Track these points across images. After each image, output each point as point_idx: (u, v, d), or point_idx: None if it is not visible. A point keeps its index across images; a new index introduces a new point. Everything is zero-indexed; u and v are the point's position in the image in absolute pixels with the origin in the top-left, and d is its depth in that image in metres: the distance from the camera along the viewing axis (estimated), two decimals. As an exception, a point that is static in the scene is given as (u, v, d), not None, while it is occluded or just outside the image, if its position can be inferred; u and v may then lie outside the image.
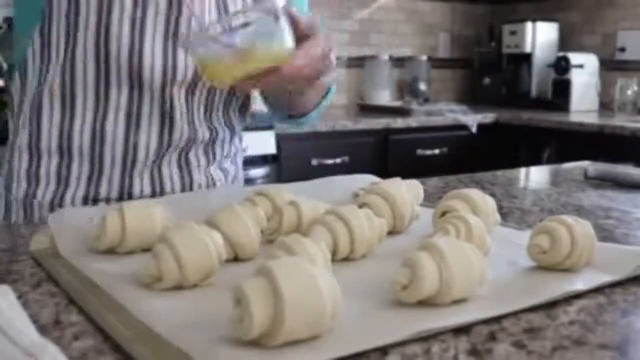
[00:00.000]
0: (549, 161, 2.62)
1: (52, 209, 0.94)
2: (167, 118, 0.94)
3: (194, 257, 0.56)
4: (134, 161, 0.95)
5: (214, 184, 1.04)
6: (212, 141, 1.01)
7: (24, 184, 0.96)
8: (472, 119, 2.79)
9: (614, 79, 3.09)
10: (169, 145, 0.96)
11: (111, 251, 0.66)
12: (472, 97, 3.59)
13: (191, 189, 1.00)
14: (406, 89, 3.42)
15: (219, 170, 1.05)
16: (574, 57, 3.10)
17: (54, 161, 0.95)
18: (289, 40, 0.75)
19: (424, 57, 3.43)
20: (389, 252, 0.68)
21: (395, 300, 0.53)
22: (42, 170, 0.95)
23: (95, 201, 0.95)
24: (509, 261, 0.65)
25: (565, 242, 0.61)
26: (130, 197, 0.95)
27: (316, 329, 0.46)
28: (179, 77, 0.93)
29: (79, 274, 0.61)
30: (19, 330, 0.44)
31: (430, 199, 0.93)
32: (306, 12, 1.04)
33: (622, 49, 3.17)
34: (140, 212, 0.67)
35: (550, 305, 0.55)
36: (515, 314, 0.53)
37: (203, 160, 1.01)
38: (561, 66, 3.11)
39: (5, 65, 2.25)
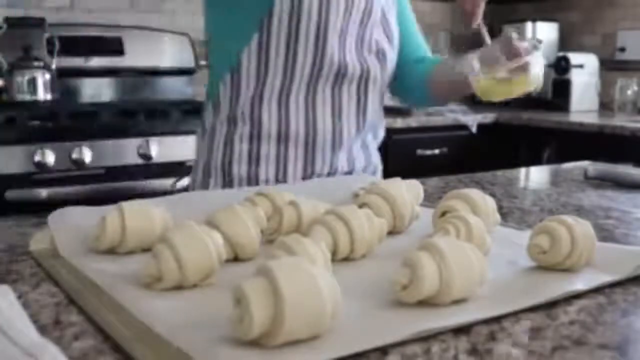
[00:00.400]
0: (549, 161, 2.62)
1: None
2: (361, 106, 1.15)
3: (194, 257, 0.56)
4: (340, 141, 1.13)
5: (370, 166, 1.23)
6: (377, 127, 1.24)
7: (245, 166, 1.11)
8: (472, 119, 2.79)
9: (614, 79, 3.09)
10: (363, 128, 1.17)
11: (111, 251, 0.66)
12: (472, 97, 3.59)
13: (353, 166, 1.19)
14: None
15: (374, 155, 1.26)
16: (574, 57, 3.09)
17: (273, 145, 1.10)
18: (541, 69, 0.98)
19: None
20: (389, 252, 0.68)
21: (395, 300, 0.53)
22: (262, 153, 1.11)
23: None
24: (509, 261, 0.65)
25: (565, 242, 0.61)
26: (335, 172, 1.15)
27: (316, 329, 0.46)
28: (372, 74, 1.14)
29: (79, 274, 0.61)
30: (19, 330, 0.44)
31: (430, 199, 0.93)
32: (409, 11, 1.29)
33: (622, 49, 3.17)
34: (140, 212, 0.67)
35: (550, 305, 0.55)
36: (515, 314, 0.53)
37: (373, 144, 1.25)
38: (561, 66, 3.11)
39: (5, 65, 2.25)
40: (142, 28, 2.66)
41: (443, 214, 0.74)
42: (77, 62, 2.48)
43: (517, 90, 0.98)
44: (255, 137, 1.10)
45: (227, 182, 1.13)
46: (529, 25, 3.26)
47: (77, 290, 0.57)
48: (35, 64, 2.26)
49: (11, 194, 1.89)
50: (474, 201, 0.74)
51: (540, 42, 0.87)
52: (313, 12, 1.03)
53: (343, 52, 1.09)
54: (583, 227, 0.63)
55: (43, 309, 0.54)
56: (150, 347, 0.45)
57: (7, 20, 2.30)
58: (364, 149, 1.21)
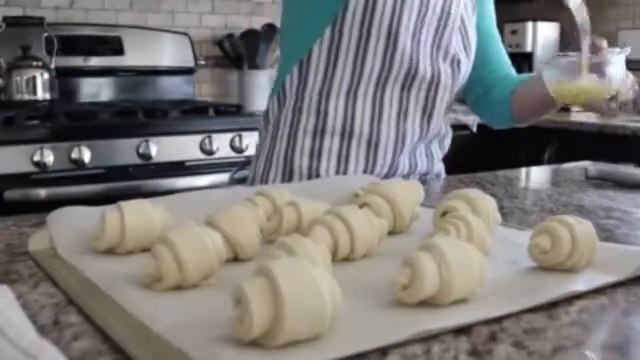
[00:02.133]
0: (550, 161, 2.62)
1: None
2: (427, 112, 1.15)
3: (194, 257, 0.56)
4: (403, 143, 1.13)
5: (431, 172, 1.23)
6: (443, 137, 1.24)
7: (306, 160, 1.12)
8: (473, 119, 2.79)
9: (615, 79, 3.09)
10: (426, 134, 1.17)
11: (111, 251, 0.66)
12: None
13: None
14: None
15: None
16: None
17: (336, 141, 1.11)
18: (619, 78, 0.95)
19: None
20: (389, 252, 0.68)
21: (395, 300, 0.53)
22: (325, 148, 1.12)
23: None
24: (509, 261, 0.65)
25: (566, 242, 0.61)
26: (395, 173, 1.15)
27: (316, 329, 0.45)
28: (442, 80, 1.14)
29: (78, 274, 0.61)
30: (17, 331, 0.44)
31: (430, 199, 0.93)
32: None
33: (623, 49, 3.17)
34: (140, 212, 0.67)
35: (551, 306, 0.55)
36: (515, 314, 0.53)
37: (438, 153, 1.24)
38: (561, 66, 3.11)
39: (4, 65, 2.24)
40: (142, 27, 2.66)
41: (443, 214, 0.74)
42: (76, 61, 2.48)
43: (596, 94, 0.96)
44: (319, 131, 1.11)
45: (288, 174, 1.13)
46: (529, 25, 3.26)
47: (76, 290, 0.57)
48: (34, 63, 2.26)
49: (10, 194, 1.89)
50: (475, 201, 0.74)
51: (624, 49, 0.95)
52: (386, 11, 1.04)
53: (416, 54, 1.10)
54: (584, 227, 0.63)
55: (42, 309, 0.54)
56: (150, 347, 0.45)
57: (6, 19, 2.30)
58: (428, 156, 1.21)
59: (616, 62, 0.95)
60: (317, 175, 1.11)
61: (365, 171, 1.12)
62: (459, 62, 1.16)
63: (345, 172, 1.11)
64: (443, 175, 1.26)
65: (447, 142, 1.25)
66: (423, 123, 1.16)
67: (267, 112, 1.21)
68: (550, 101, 1.07)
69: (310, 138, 1.12)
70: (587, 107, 1.06)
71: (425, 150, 1.20)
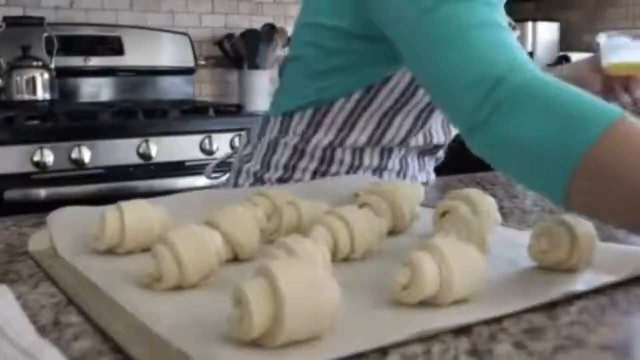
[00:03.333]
0: (549, 161, 2.61)
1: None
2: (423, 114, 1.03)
3: (194, 257, 0.56)
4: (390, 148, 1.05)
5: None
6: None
7: (280, 172, 1.06)
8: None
9: (615, 79, 3.09)
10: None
11: (110, 251, 0.66)
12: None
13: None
14: None
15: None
16: (575, 57, 3.09)
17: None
18: None
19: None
20: (389, 252, 0.68)
21: (395, 300, 0.53)
22: (301, 166, 1.05)
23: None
24: (509, 261, 0.65)
25: (566, 242, 0.61)
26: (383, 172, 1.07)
27: (316, 329, 0.45)
28: None
29: (78, 274, 0.61)
30: (18, 331, 0.44)
31: (430, 199, 0.92)
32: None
33: (623, 49, 3.17)
34: (140, 212, 0.67)
35: (551, 306, 0.54)
36: (515, 314, 0.53)
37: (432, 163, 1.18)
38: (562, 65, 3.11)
39: (4, 65, 2.24)
40: (142, 27, 2.66)
41: (443, 214, 0.74)
42: (76, 61, 2.48)
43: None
44: (321, 173, 1.05)
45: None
46: (529, 25, 3.26)
47: (76, 290, 0.57)
48: (34, 63, 2.26)
49: (10, 194, 1.89)
50: (474, 201, 0.74)
51: None
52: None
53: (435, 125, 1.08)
54: (584, 227, 0.63)
55: (42, 309, 0.54)
56: (149, 347, 0.45)
57: (6, 19, 2.30)
58: (420, 165, 1.16)
59: None
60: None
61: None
62: None
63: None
64: (432, 177, 1.22)
65: (442, 153, 1.20)
66: (417, 123, 1.07)
67: (265, 123, 1.11)
68: None
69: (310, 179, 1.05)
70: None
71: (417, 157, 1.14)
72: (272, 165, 1.07)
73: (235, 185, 1.13)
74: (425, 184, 1.14)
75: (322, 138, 1.03)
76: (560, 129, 0.61)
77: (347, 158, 1.04)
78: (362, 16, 0.88)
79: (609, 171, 0.59)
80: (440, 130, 1.10)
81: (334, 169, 1.05)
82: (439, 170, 1.23)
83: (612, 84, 1.08)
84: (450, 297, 0.53)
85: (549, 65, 3.16)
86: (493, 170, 1.19)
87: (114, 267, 0.62)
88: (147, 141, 2.07)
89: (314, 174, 1.05)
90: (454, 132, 1.11)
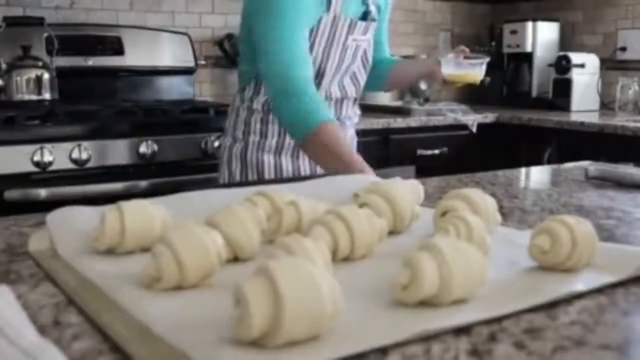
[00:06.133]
0: (550, 161, 2.62)
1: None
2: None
3: (194, 258, 0.56)
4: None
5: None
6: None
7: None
8: (472, 119, 2.79)
9: (615, 79, 3.09)
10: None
11: (110, 251, 0.66)
12: (472, 97, 3.59)
13: None
14: (406, 88, 3.41)
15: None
16: (575, 57, 3.09)
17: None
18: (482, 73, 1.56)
19: (424, 57, 3.42)
20: (389, 252, 0.68)
21: (395, 300, 0.53)
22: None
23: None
24: (509, 261, 0.65)
25: (566, 242, 0.61)
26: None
27: (316, 329, 0.45)
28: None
29: (78, 274, 0.61)
30: (18, 331, 0.44)
31: (430, 199, 0.92)
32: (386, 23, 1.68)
33: (623, 49, 3.16)
34: (140, 212, 0.67)
35: (550, 306, 0.55)
36: (515, 314, 0.53)
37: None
38: (562, 66, 3.10)
39: (4, 65, 2.24)
40: (142, 27, 2.65)
41: (443, 214, 0.74)
42: (76, 61, 2.48)
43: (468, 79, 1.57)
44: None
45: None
46: (529, 24, 3.26)
47: (76, 290, 0.57)
48: (35, 63, 2.26)
49: (10, 194, 1.89)
50: (474, 201, 0.74)
51: (485, 59, 1.57)
52: None
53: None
54: (584, 227, 0.63)
55: (42, 309, 0.54)
56: (149, 347, 0.45)
57: (6, 19, 2.30)
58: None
59: (481, 65, 1.55)
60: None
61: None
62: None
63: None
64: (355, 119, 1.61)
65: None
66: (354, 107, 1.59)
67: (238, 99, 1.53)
68: (416, 78, 1.98)
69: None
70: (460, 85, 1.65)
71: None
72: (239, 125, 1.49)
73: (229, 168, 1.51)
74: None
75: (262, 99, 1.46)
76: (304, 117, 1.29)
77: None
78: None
79: (321, 144, 1.27)
80: (351, 83, 1.52)
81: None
82: (439, 170, 1.23)
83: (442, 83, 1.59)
84: (450, 297, 0.53)
85: (549, 65, 3.16)
86: (493, 170, 1.19)
87: (114, 267, 0.62)
88: (147, 141, 2.07)
89: (262, 122, 1.46)
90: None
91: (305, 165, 1.49)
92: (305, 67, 1.33)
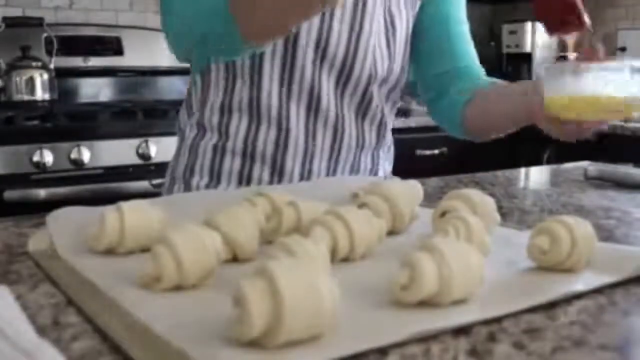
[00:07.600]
0: (549, 161, 2.62)
1: None
2: (339, 126, 1.07)
3: (193, 258, 0.56)
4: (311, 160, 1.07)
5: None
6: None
7: (206, 179, 1.08)
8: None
9: (614, 79, 3.09)
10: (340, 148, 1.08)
11: (110, 251, 0.66)
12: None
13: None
14: (406, 88, 3.40)
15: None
16: (574, 57, 3.09)
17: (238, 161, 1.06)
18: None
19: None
20: (388, 252, 0.68)
21: (395, 300, 0.53)
22: (225, 168, 1.07)
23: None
24: (509, 261, 0.65)
25: (565, 242, 0.61)
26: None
27: (316, 329, 0.45)
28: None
29: (77, 274, 0.61)
30: (17, 331, 0.44)
31: (430, 199, 0.92)
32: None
33: (623, 49, 3.17)
34: (139, 212, 0.67)
35: (550, 306, 0.55)
36: (515, 314, 0.53)
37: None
38: (561, 66, 3.11)
39: (3, 65, 2.24)
40: (142, 27, 2.66)
41: (443, 214, 0.74)
42: (75, 61, 2.48)
43: (589, 112, 0.81)
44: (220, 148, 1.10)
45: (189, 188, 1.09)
46: (528, 25, 3.26)
47: (75, 290, 0.57)
48: (34, 63, 2.26)
49: (9, 194, 1.89)
50: (474, 201, 0.74)
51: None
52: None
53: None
54: (583, 228, 0.63)
55: (41, 309, 0.54)
56: (149, 347, 0.45)
57: (5, 19, 2.30)
58: (374, 163, 1.18)
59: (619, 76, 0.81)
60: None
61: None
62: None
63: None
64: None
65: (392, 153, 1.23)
66: (336, 136, 1.07)
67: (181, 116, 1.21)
68: (523, 120, 0.94)
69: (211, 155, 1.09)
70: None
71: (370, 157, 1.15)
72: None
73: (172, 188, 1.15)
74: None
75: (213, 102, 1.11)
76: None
77: (244, 122, 1.08)
78: None
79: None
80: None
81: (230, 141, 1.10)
82: (439, 170, 1.23)
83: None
84: (450, 297, 0.53)
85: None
86: (493, 170, 1.20)
87: (114, 267, 0.62)
88: (146, 141, 2.07)
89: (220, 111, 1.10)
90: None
91: None
92: None
